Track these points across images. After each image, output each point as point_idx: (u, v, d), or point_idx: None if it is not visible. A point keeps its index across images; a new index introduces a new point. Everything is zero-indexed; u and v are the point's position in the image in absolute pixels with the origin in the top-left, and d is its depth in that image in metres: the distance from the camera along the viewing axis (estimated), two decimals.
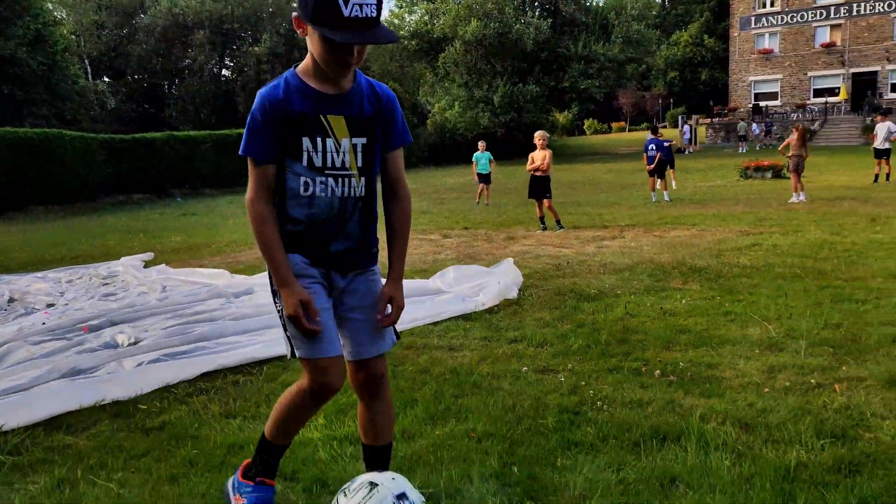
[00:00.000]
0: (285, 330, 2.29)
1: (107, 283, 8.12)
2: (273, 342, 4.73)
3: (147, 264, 9.23)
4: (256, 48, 51.83)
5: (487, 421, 3.28)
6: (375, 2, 2.04)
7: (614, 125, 68.72)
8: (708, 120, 48.47)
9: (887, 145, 18.79)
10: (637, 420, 3.20)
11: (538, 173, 11.40)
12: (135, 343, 5.05)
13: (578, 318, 5.15)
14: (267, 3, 54.64)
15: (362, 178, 2.30)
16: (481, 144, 19.98)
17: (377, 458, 2.51)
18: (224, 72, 57.75)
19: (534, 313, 5.37)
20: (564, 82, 44.12)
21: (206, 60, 54.00)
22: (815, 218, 10.63)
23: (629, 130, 66.66)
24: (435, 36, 44.14)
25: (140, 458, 3.05)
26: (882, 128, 18.69)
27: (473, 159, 19.47)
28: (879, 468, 2.65)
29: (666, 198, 17.13)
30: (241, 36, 54.93)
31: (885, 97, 42.88)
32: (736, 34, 49.86)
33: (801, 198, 14.33)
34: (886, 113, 21.70)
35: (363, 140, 2.28)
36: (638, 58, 44.30)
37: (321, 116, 2.21)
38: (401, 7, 48.70)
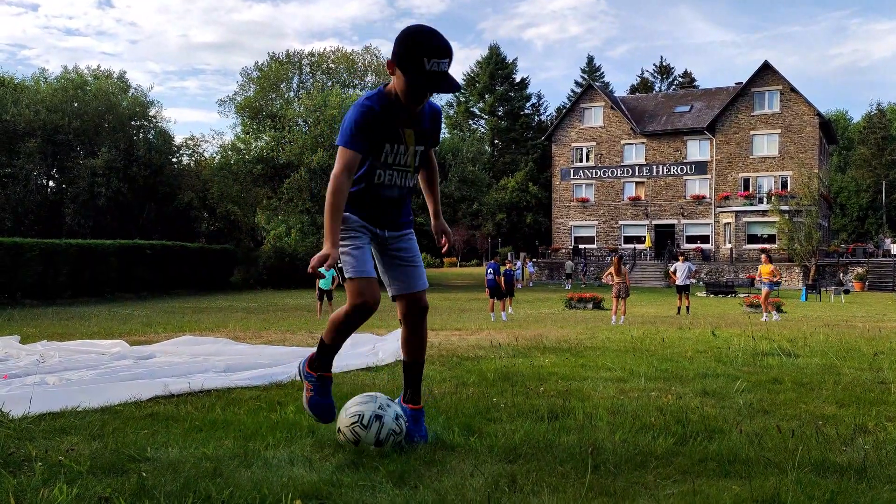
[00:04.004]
0: (341, 273, 3.17)
1: None
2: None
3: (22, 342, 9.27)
4: (92, 160, 50.86)
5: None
6: (448, 60, 2.88)
7: (446, 260, 72.20)
8: (533, 259, 52.58)
9: (687, 282, 21.90)
10: (535, 408, 4.30)
11: None
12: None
13: (466, 368, 6.25)
14: (107, 119, 54.15)
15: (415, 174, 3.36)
16: None
17: (413, 372, 3.47)
18: (51, 183, 55.83)
19: (427, 366, 6.39)
20: None
21: (33, 169, 52.25)
22: (634, 328, 12.49)
23: (461, 266, 70.26)
24: (280, 162, 45.54)
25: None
26: (682, 267, 21.79)
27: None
28: (703, 423, 3.90)
29: (504, 318, 18.85)
30: (75, 148, 53.71)
31: (682, 246, 48.73)
32: (557, 183, 55.28)
33: (622, 321, 16.43)
34: (685, 255, 25.19)
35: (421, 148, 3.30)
36: (472, 196, 47.82)
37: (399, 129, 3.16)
38: (247, 133, 49.92)
